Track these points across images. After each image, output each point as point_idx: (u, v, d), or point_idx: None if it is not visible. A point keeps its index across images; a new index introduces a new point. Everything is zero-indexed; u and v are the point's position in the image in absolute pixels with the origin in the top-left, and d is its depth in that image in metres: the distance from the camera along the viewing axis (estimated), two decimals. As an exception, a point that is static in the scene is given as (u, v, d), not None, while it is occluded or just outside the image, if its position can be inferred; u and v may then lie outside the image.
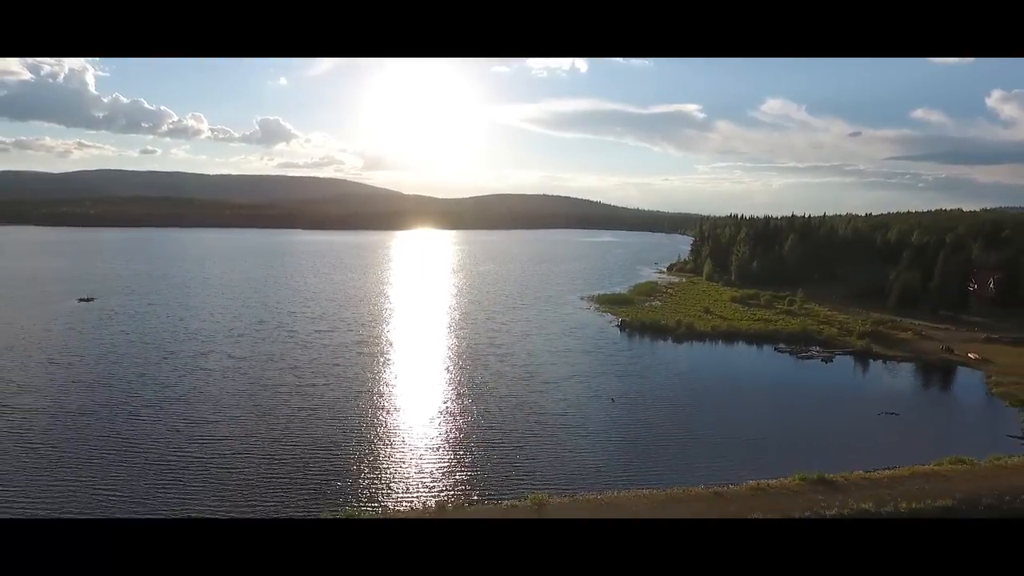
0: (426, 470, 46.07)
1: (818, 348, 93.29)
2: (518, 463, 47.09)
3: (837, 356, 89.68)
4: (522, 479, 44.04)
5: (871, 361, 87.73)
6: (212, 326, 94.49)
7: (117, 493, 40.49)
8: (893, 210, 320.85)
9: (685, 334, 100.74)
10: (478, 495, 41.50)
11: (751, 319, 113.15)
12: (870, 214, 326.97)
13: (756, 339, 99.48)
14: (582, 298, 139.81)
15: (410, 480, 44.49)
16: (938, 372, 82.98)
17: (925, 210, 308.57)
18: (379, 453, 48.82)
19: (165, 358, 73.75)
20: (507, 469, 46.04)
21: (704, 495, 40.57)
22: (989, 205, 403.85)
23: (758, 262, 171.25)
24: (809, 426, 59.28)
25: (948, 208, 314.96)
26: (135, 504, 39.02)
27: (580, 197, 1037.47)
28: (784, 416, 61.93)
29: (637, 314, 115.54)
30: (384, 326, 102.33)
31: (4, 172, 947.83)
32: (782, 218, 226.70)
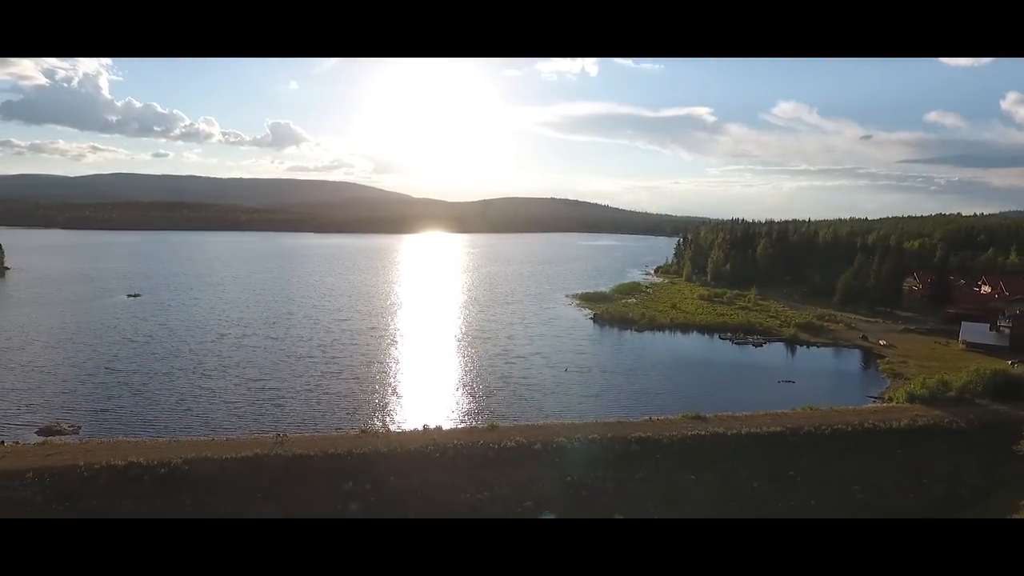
0: (418, 410, 64.49)
1: (755, 336, 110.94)
2: (484, 406, 65.99)
3: (769, 343, 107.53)
4: (484, 414, 62.55)
5: (797, 347, 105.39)
6: (250, 315, 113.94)
7: (203, 418, 59.27)
8: (904, 214, 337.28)
9: (647, 325, 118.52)
10: (453, 423, 59.88)
11: (708, 313, 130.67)
12: (867, 219, 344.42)
13: (706, 329, 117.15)
14: (567, 296, 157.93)
15: (405, 415, 62.97)
16: (847, 354, 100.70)
17: (927, 214, 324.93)
18: (385, 399, 67.84)
19: (217, 339, 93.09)
20: (475, 408, 65.14)
21: (609, 423, 58.68)
22: (1003, 209, 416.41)
23: (731, 264, 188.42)
24: (715, 387, 77.12)
25: (947, 213, 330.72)
26: (215, 425, 57.62)
27: (590, 201, 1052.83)
28: (699, 381, 79.97)
29: (610, 309, 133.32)
30: (393, 316, 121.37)
31: (21, 175, 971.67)
32: (760, 223, 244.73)
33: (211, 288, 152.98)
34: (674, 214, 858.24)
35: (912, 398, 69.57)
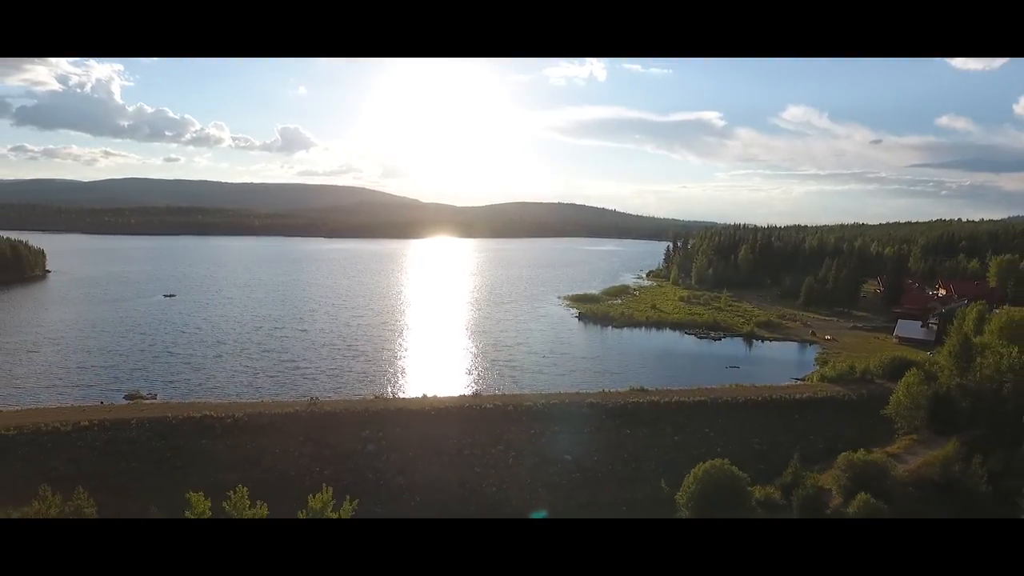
0: (419, 383, 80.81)
1: (716, 332, 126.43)
2: (471, 381, 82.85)
3: (728, 337, 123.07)
4: (471, 387, 78.97)
5: (752, 340, 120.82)
6: (278, 312, 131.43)
7: (252, 387, 75.80)
8: (913, 219, 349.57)
9: (625, 322, 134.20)
10: (446, 393, 76.05)
11: (681, 312, 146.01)
12: (863, 224, 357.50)
13: (677, 326, 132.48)
14: (559, 297, 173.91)
15: (409, 386, 79.40)
16: (792, 347, 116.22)
17: (939, 219, 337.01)
18: (393, 375, 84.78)
19: (254, 330, 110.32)
20: (464, 383, 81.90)
21: (568, 393, 74.71)
22: (1013, 213, 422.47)
23: (714, 269, 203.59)
24: (668, 370, 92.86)
25: (947, 219, 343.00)
26: (262, 392, 73.99)
27: (597, 205, 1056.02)
28: (655, 365, 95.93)
29: (594, 308, 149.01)
30: (401, 314, 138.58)
31: (35, 180, 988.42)
32: (746, 228, 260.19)
33: (239, 289, 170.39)
34: (682, 219, 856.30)
35: (823, 378, 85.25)
